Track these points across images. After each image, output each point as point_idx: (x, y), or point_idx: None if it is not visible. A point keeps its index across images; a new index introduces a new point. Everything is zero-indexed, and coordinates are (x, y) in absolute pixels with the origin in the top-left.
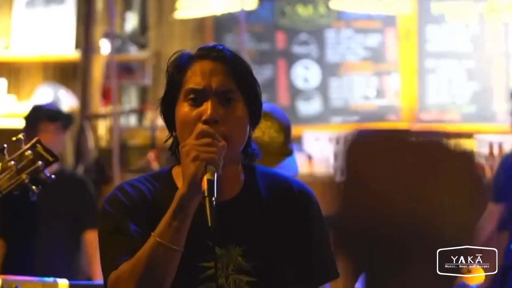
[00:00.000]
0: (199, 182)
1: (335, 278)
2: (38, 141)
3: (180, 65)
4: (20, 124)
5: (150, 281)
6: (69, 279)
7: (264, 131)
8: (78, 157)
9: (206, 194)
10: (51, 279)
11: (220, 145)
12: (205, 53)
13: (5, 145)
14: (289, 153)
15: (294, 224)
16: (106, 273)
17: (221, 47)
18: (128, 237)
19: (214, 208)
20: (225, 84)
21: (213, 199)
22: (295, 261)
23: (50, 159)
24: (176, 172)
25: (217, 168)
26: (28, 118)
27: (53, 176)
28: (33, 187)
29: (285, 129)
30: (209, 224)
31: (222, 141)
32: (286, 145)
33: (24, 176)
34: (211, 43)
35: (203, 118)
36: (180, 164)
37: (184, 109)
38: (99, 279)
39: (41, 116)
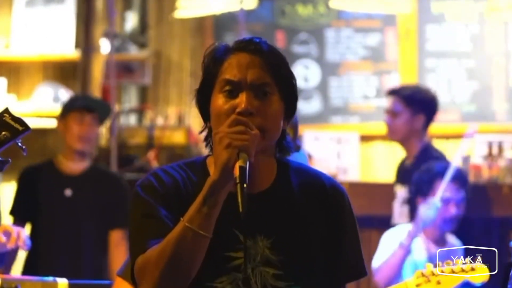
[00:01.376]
0: (231, 169)
1: (363, 276)
2: (6, 111)
3: (217, 57)
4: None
5: (177, 266)
6: (94, 278)
7: None
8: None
9: (238, 181)
10: (50, 279)
11: (253, 133)
12: (242, 46)
13: None
14: (297, 148)
15: (324, 221)
16: (134, 256)
17: (258, 40)
18: (158, 221)
19: (246, 195)
20: (261, 77)
21: (245, 186)
22: (322, 258)
23: (20, 128)
24: (210, 162)
25: (249, 156)
26: (62, 107)
27: (24, 147)
28: (0, 158)
29: (294, 125)
30: (240, 210)
31: (255, 129)
32: (295, 141)
33: None
34: (248, 36)
35: (237, 110)
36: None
37: (219, 100)
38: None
39: (74, 105)
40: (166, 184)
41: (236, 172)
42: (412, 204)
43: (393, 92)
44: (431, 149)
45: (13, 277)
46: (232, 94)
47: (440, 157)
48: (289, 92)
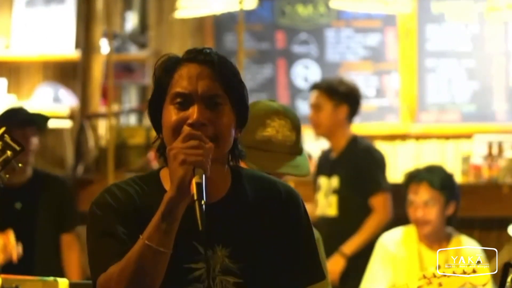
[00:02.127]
0: (188, 185)
1: (322, 280)
2: (6, 131)
3: (167, 68)
4: None
5: (139, 283)
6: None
7: (278, 130)
8: (78, 156)
9: (195, 198)
10: (51, 278)
11: (207, 147)
12: (192, 56)
13: None
14: (300, 152)
15: (280, 227)
16: (95, 275)
17: (208, 51)
18: (117, 240)
19: (204, 212)
20: (212, 88)
21: (203, 202)
22: (280, 263)
23: (17, 148)
24: (164, 174)
25: (205, 171)
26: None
27: (20, 165)
28: (2, 175)
29: (297, 128)
30: (200, 227)
31: (209, 142)
32: (298, 144)
33: None
34: (200, 47)
35: (189, 121)
36: (168, 166)
37: (170, 112)
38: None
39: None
40: (120, 200)
41: (193, 188)
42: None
43: (314, 87)
44: (358, 141)
45: (14, 277)
46: (183, 106)
47: (368, 149)
48: (240, 102)
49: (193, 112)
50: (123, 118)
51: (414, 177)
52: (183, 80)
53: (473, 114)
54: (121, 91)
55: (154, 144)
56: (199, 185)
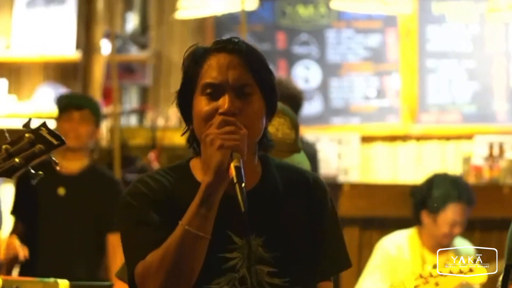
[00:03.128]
0: (226, 170)
1: (347, 268)
2: (43, 124)
3: (196, 59)
4: (21, 124)
5: (180, 270)
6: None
7: (277, 128)
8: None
9: (235, 181)
10: (51, 279)
11: (242, 133)
12: (221, 46)
13: (5, 129)
14: (298, 150)
15: (310, 215)
16: (131, 265)
17: (236, 40)
18: (153, 228)
19: (245, 194)
20: (242, 77)
21: (243, 185)
22: (311, 251)
23: (55, 142)
24: (194, 164)
25: (242, 155)
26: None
27: (57, 161)
28: (33, 172)
29: (296, 127)
30: (242, 209)
31: (244, 128)
32: (297, 142)
33: (17, 159)
34: (227, 36)
35: (220, 111)
36: (197, 156)
37: (201, 103)
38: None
39: (61, 106)
40: (154, 189)
41: (232, 172)
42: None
43: None
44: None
45: (14, 277)
46: (214, 96)
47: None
48: (269, 91)
49: (224, 101)
50: (123, 118)
51: (452, 197)
52: (213, 70)
53: (473, 115)
54: (122, 92)
55: (183, 136)
56: (238, 169)
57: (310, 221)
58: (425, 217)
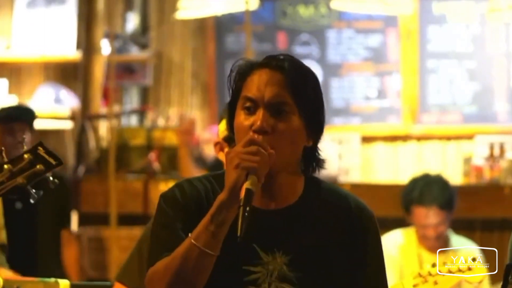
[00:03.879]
0: (239, 189)
1: None
2: (40, 144)
3: (241, 72)
4: None
5: (182, 281)
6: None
7: None
8: (79, 157)
9: (241, 204)
10: (52, 279)
11: (265, 155)
12: (265, 62)
13: (3, 148)
14: None
15: (346, 244)
16: (148, 266)
17: (282, 57)
18: (174, 235)
19: (246, 218)
20: (279, 95)
21: (248, 209)
22: (342, 277)
23: (53, 162)
24: None
25: (258, 178)
26: None
27: (56, 180)
28: (33, 190)
29: None
30: (238, 233)
31: (269, 150)
32: None
33: (20, 180)
34: (278, 53)
35: (253, 127)
36: None
37: (239, 116)
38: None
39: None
40: (188, 195)
41: (242, 193)
42: None
43: None
44: None
45: (15, 278)
46: (251, 110)
47: None
48: (310, 112)
49: (258, 118)
50: (124, 119)
51: (420, 201)
52: (253, 85)
53: (474, 115)
54: (122, 92)
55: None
56: (248, 192)
57: (345, 247)
58: (406, 218)
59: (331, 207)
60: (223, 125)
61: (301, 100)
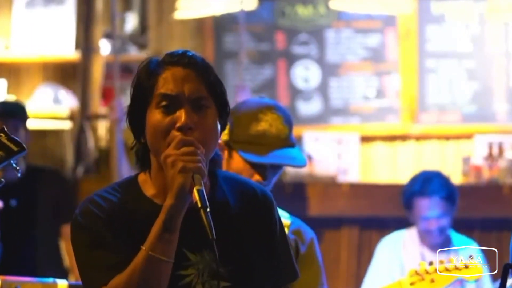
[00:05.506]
0: (188, 192)
1: (296, 278)
2: (2, 130)
3: (150, 71)
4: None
5: None
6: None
7: (271, 124)
8: (78, 157)
9: (200, 206)
10: (50, 280)
11: (200, 152)
12: (175, 60)
13: None
14: (293, 145)
15: (259, 227)
16: None
17: (191, 54)
18: (110, 250)
19: (210, 219)
20: (198, 91)
21: (208, 210)
22: (262, 263)
23: (15, 148)
24: (142, 179)
25: (203, 176)
26: None
27: (18, 168)
28: None
29: (289, 122)
30: (210, 236)
31: (201, 148)
32: (291, 137)
33: None
34: (180, 49)
35: (177, 125)
36: (145, 171)
37: (156, 116)
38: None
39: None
40: (104, 208)
41: (195, 196)
42: None
43: None
44: None
45: (13, 278)
46: (169, 109)
47: None
48: (223, 105)
49: (181, 115)
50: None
51: (422, 192)
52: (169, 83)
53: (473, 115)
54: (121, 92)
55: (132, 150)
56: (201, 192)
57: (260, 233)
58: (408, 216)
59: (238, 195)
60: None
61: (216, 94)
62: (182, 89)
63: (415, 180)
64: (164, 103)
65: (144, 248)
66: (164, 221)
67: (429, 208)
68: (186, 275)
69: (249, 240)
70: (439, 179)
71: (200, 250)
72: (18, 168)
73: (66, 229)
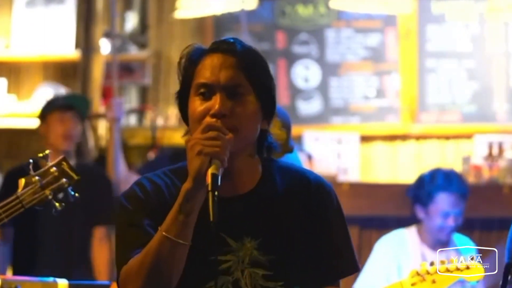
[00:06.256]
0: (204, 176)
1: (355, 271)
2: (64, 159)
3: (192, 59)
4: (20, 123)
5: (158, 276)
6: (81, 275)
7: None
8: (79, 156)
9: (209, 189)
10: (50, 279)
11: (226, 139)
12: (216, 46)
13: (31, 161)
14: (290, 150)
15: (310, 218)
16: (118, 267)
17: (232, 40)
18: (141, 231)
19: (216, 203)
20: (234, 78)
21: (216, 193)
22: (311, 255)
23: (75, 177)
24: None
25: (222, 162)
26: (41, 109)
27: (76, 194)
28: (56, 204)
29: (288, 126)
30: (211, 218)
31: (229, 134)
32: (288, 142)
33: (47, 192)
34: (229, 37)
35: (211, 112)
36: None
37: (194, 103)
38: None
39: (53, 105)
40: (149, 192)
41: (208, 179)
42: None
43: None
44: None
45: (13, 277)
46: (206, 96)
47: None
48: (265, 92)
49: (215, 102)
50: (123, 118)
51: (446, 188)
52: (206, 70)
53: (473, 115)
54: (121, 92)
55: (184, 137)
56: (214, 176)
57: (311, 224)
58: (419, 211)
59: (291, 185)
60: None
61: (255, 81)
62: (218, 76)
63: (434, 174)
64: (201, 90)
65: (160, 229)
66: (180, 203)
67: (452, 204)
68: (224, 260)
69: (296, 230)
70: (457, 177)
71: (241, 237)
72: (75, 194)
73: (98, 232)
